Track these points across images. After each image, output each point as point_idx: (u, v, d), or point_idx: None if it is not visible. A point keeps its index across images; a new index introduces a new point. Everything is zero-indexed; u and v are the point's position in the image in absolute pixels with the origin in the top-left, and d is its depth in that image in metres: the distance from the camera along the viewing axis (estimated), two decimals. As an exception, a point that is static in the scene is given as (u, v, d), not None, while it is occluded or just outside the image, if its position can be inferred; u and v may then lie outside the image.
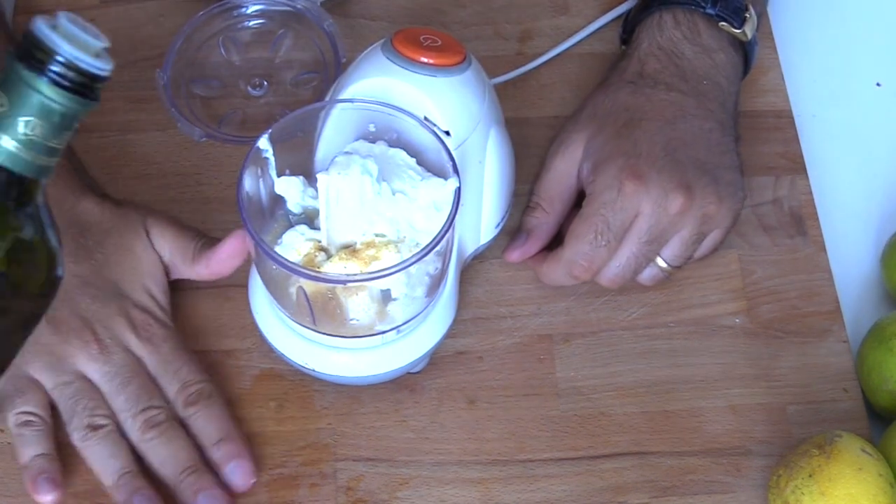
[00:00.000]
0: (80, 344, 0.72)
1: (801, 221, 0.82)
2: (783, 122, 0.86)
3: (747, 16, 0.80)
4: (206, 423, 0.72)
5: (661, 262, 0.75)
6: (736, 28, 0.79)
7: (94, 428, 0.70)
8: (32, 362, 0.71)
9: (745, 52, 0.81)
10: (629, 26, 0.83)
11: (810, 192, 0.83)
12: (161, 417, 0.71)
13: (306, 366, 0.72)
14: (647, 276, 0.76)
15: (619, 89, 0.79)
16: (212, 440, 0.71)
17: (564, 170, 0.78)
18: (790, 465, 0.68)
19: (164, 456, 0.70)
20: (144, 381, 0.72)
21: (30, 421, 0.71)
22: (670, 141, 0.75)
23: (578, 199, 0.77)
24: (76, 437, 0.71)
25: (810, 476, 0.67)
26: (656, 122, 0.76)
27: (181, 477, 0.70)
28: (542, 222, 0.78)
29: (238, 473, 0.71)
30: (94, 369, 0.72)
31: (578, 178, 0.77)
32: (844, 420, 0.75)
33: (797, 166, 0.84)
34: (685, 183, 0.73)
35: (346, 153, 0.68)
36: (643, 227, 0.73)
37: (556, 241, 0.77)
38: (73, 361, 0.72)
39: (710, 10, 0.79)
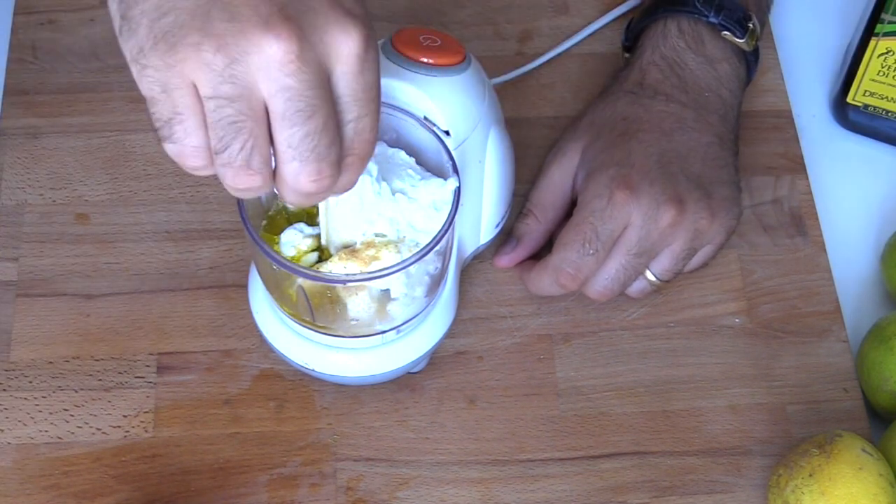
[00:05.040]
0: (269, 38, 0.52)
1: (801, 221, 0.82)
2: (783, 122, 0.86)
3: (750, 25, 0.79)
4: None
5: (650, 276, 0.75)
6: (739, 38, 0.79)
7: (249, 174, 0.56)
8: (189, 58, 0.53)
9: (748, 63, 0.81)
10: (632, 32, 0.83)
11: (810, 192, 0.83)
12: (333, 179, 0.56)
13: (306, 366, 0.72)
14: (635, 288, 0.76)
15: (618, 99, 0.79)
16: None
17: (559, 178, 0.77)
18: (790, 464, 0.68)
19: (298, 203, 0.58)
20: (332, 115, 0.55)
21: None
22: (665, 153, 0.75)
23: (573, 209, 0.77)
24: (219, 170, 0.56)
25: (810, 475, 0.67)
26: (653, 134, 0.76)
27: None
28: (533, 229, 0.78)
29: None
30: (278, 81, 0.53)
31: (573, 187, 0.77)
32: (844, 420, 0.75)
33: (797, 166, 0.84)
34: (677, 196, 0.73)
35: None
36: (633, 238, 0.73)
37: (546, 251, 0.77)
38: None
39: (713, 19, 0.78)
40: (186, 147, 0.55)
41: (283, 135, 0.54)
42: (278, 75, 0.53)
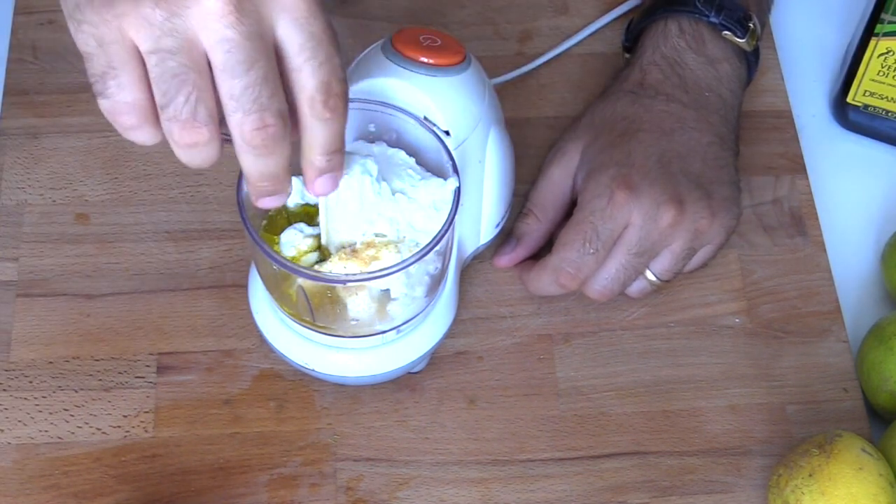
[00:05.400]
0: None
1: (801, 221, 0.82)
2: (783, 123, 0.86)
3: (751, 25, 0.79)
4: (326, 132, 0.58)
5: (650, 276, 0.75)
6: (739, 38, 0.79)
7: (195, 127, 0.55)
8: (128, 13, 0.53)
9: (748, 62, 0.81)
10: (633, 33, 0.83)
11: (810, 192, 0.83)
12: (279, 129, 0.56)
13: (306, 366, 0.72)
14: (635, 288, 0.76)
15: (618, 99, 0.79)
16: (323, 149, 0.59)
17: (559, 178, 0.77)
18: (790, 464, 0.68)
19: (257, 171, 0.58)
20: (273, 67, 0.55)
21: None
22: (665, 153, 0.75)
23: (573, 209, 0.77)
24: (165, 126, 0.56)
25: (810, 475, 0.67)
26: (653, 134, 0.76)
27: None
28: (533, 229, 0.78)
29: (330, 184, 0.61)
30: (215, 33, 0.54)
31: (573, 187, 0.77)
32: (844, 420, 0.75)
33: (797, 166, 0.84)
34: (677, 196, 0.73)
35: (346, 153, 0.68)
36: (633, 238, 0.73)
37: (546, 251, 0.77)
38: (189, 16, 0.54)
39: (713, 19, 0.78)
40: (118, 103, 0.55)
41: (224, 86, 0.55)
42: (217, 27, 0.53)
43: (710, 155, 0.76)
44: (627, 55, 0.83)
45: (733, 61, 0.79)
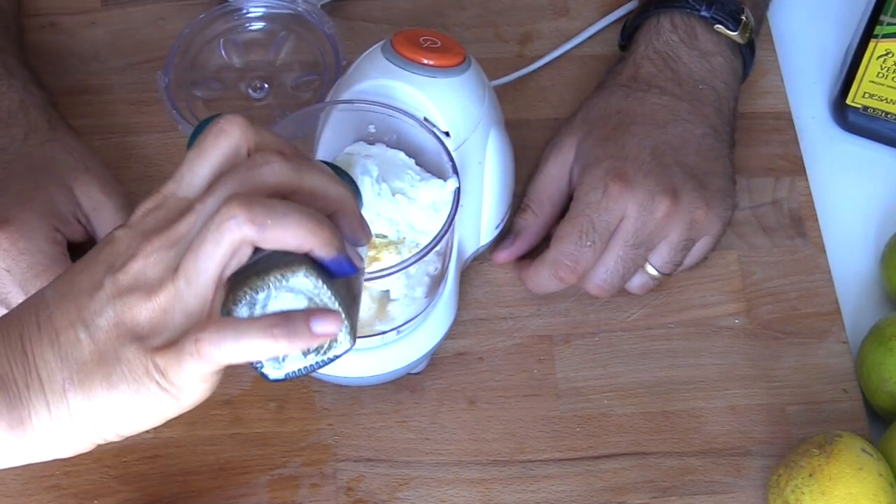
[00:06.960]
0: None
1: (801, 223, 0.82)
2: (782, 124, 0.86)
3: (743, 18, 0.80)
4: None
5: (650, 270, 0.75)
6: (731, 31, 0.79)
7: None
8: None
9: (743, 56, 0.81)
10: (628, 31, 0.83)
11: (810, 194, 0.83)
12: None
13: (307, 366, 0.72)
14: (636, 284, 0.76)
15: (612, 93, 0.79)
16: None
17: (556, 172, 0.78)
18: (790, 464, 0.69)
19: None
20: None
21: None
22: (659, 145, 0.75)
23: (570, 204, 0.77)
24: None
25: (810, 475, 0.67)
26: (646, 126, 0.76)
27: None
28: (531, 224, 0.78)
29: None
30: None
31: (570, 182, 0.77)
32: (844, 420, 0.75)
33: (796, 168, 0.84)
34: (671, 187, 0.73)
35: (346, 154, 0.69)
36: (629, 230, 0.73)
37: (544, 247, 0.77)
38: None
39: (704, 13, 0.79)
40: None
41: None
42: None
43: (703, 146, 0.76)
44: (623, 54, 0.84)
45: (727, 54, 0.80)
